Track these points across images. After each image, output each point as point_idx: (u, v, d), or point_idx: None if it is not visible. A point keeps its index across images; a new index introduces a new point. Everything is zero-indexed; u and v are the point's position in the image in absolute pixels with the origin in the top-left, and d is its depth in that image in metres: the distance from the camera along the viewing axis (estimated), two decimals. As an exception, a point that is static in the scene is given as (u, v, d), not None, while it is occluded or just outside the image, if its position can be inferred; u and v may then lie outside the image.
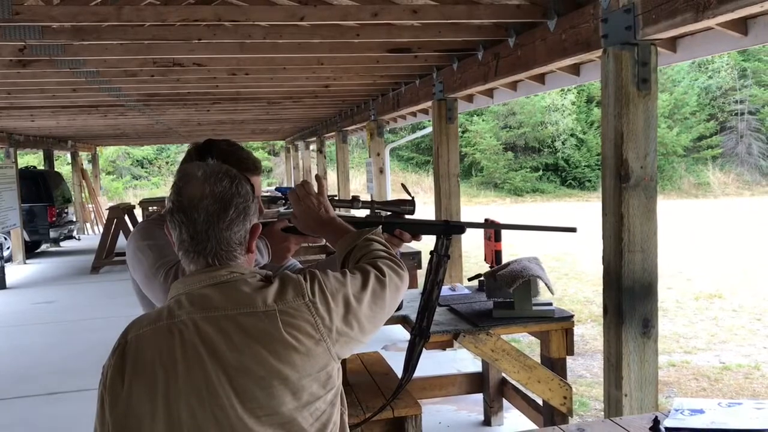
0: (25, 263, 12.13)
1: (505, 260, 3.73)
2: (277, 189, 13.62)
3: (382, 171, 9.31)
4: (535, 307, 3.42)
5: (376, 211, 1.79)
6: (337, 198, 1.82)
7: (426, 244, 1.86)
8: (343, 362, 1.37)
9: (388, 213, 1.81)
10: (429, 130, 9.65)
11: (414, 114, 8.69)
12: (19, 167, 12.89)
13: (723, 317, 7.40)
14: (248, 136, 17.93)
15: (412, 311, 3.34)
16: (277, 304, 1.26)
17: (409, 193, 1.88)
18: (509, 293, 3.39)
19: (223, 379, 1.21)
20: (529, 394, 3.82)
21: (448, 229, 1.77)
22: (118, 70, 5.46)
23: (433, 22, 4.21)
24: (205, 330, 1.23)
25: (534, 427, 3.87)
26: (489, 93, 6.32)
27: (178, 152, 29.71)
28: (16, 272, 11.12)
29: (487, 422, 4.37)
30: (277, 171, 29.90)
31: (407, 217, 1.81)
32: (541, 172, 28.03)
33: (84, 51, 4.63)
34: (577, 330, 6.00)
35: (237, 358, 1.21)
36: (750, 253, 11.43)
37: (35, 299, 8.96)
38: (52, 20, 3.74)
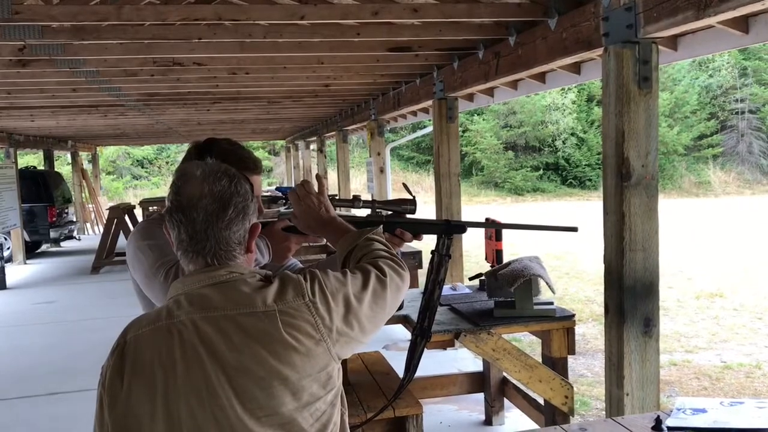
0: (25, 263, 12.13)
1: (506, 259, 3.72)
2: (277, 189, 13.63)
3: (382, 170, 9.31)
4: (536, 307, 3.42)
5: (377, 210, 1.79)
6: (337, 197, 1.82)
7: (427, 243, 1.86)
8: (344, 362, 1.37)
9: (389, 212, 1.80)
10: (429, 129, 9.65)
11: (414, 113, 8.68)
12: (19, 167, 12.90)
13: (724, 316, 7.39)
14: (248, 136, 17.93)
15: (413, 311, 3.33)
16: (277, 304, 1.25)
17: (410, 193, 1.87)
18: (510, 292, 3.38)
19: (222, 380, 1.20)
20: (531, 393, 3.82)
21: (449, 228, 1.77)
22: (118, 69, 5.46)
23: (433, 21, 4.20)
24: (205, 330, 1.22)
25: (535, 426, 3.87)
26: (489, 92, 6.31)
27: (178, 152, 29.72)
28: (16, 272, 11.12)
29: (488, 422, 4.37)
30: (277, 170, 29.92)
31: (408, 216, 1.80)
32: (541, 172, 28.03)
33: (84, 50, 4.62)
34: (579, 329, 5.99)
35: (236, 358, 1.21)
36: (751, 252, 11.42)
37: (35, 299, 8.95)
38: (52, 20, 3.73)
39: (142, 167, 31.16)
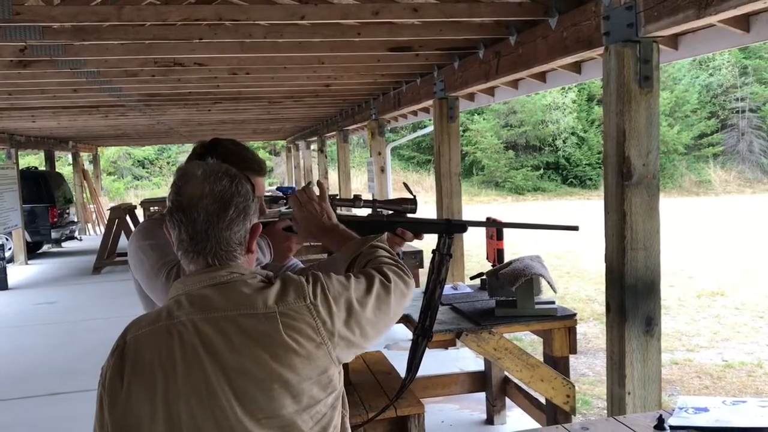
0: (26, 264, 12.13)
1: (507, 259, 3.72)
2: (278, 189, 13.63)
3: (383, 170, 9.31)
4: (537, 306, 3.41)
5: (378, 209, 1.78)
6: (338, 197, 1.81)
7: (428, 243, 1.85)
8: (346, 363, 1.36)
9: (390, 212, 1.80)
10: (430, 129, 9.65)
11: (415, 113, 8.68)
12: (21, 168, 12.90)
13: (725, 315, 7.39)
14: (249, 136, 17.93)
15: (414, 311, 3.31)
16: (278, 305, 1.24)
17: (410, 192, 1.87)
18: (512, 292, 3.38)
19: (222, 381, 1.20)
20: (532, 392, 3.81)
21: (449, 227, 1.76)
22: (118, 70, 5.46)
23: (434, 21, 4.20)
24: (205, 331, 1.22)
25: (537, 425, 3.86)
26: (490, 91, 6.30)
27: (179, 152, 29.74)
28: (17, 273, 11.12)
29: (489, 421, 4.37)
30: (278, 171, 29.91)
31: (409, 215, 1.80)
32: (542, 171, 28.03)
33: (85, 51, 4.62)
34: (580, 328, 5.97)
35: (237, 359, 1.20)
36: (752, 251, 11.41)
37: (37, 300, 8.96)
38: (53, 20, 3.73)
39: (143, 168, 31.17)
